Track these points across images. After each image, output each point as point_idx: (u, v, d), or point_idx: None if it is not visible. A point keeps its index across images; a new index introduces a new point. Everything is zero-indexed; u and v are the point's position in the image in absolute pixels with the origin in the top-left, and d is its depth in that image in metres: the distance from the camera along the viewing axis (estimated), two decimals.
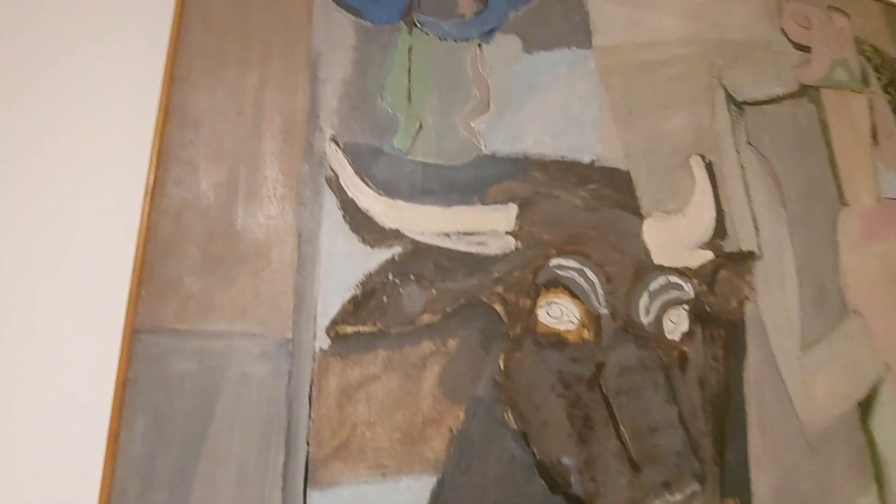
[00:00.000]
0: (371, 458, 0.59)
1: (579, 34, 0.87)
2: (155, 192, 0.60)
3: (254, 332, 0.59)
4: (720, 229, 0.84)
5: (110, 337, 0.55)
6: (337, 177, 0.67)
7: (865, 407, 0.84)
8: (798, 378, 0.81)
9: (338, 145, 0.69)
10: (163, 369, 0.55)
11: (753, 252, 0.85)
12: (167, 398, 0.55)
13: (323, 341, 0.61)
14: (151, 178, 0.61)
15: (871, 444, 0.82)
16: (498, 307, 0.68)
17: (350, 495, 0.57)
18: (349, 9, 0.75)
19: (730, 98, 0.93)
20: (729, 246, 0.83)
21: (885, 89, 1.11)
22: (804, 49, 1.05)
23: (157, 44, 0.66)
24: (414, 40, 0.77)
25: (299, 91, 0.70)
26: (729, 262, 0.82)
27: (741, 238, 0.85)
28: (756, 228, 0.86)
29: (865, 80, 1.09)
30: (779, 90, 0.98)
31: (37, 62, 0.65)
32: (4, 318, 0.56)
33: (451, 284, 0.67)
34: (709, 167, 0.87)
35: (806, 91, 1.01)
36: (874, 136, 1.05)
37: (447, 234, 0.69)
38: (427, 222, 0.69)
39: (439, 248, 0.68)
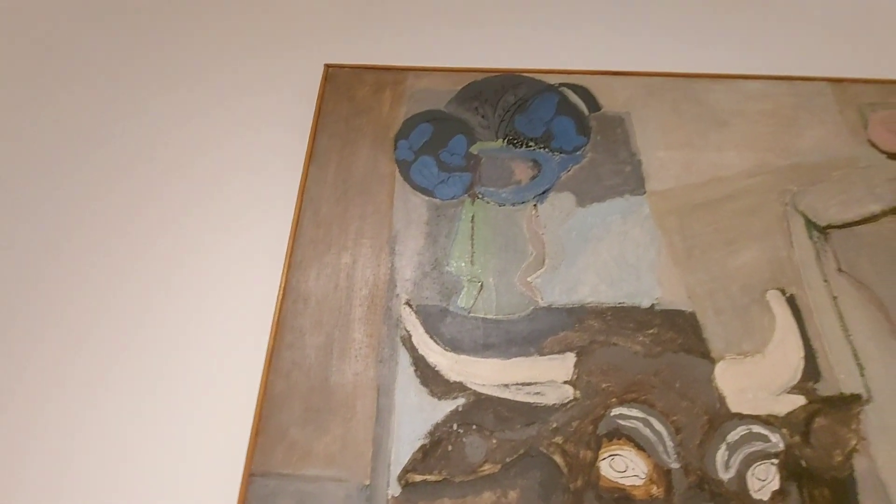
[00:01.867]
0: None
1: (631, 183, 0.94)
2: (272, 355, 0.78)
3: (340, 478, 0.70)
4: (812, 370, 0.77)
5: (231, 479, 0.70)
6: (410, 336, 0.80)
7: None
8: None
9: (411, 308, 0.82)
10: None
11: (859, 395, 0.76)
12: None
13: (395, 489, 0.70)
14: (271, 343, 0.79)
15: None
16: (557, 458, 0.71)
17: None
18: (423, 191, 0.93)
19: (810, 224, 0.90)
20: (825, 389, 0.76)
21: None
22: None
23: (280, 235, 0.90)
24: (476, 209, 0.91)
25: (381, 264, 0.86)
26: (827, 408, 0.75)
27: (841, 378, 0.77)
28: (860, 366, 0.78)
29: None
30: (874, 207, 0.92)
31: (185, 245, 0.91)
32: (150, 461, 0.74)
33: (510, 434, 0.73)
34: (790, 301, 0.83)
35: None
36: None
37: (506, 385, 0.76)
38: (488, 374, 0.77)
39: (499, 399, 0.75)
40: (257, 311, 0.83)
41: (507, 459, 0.71)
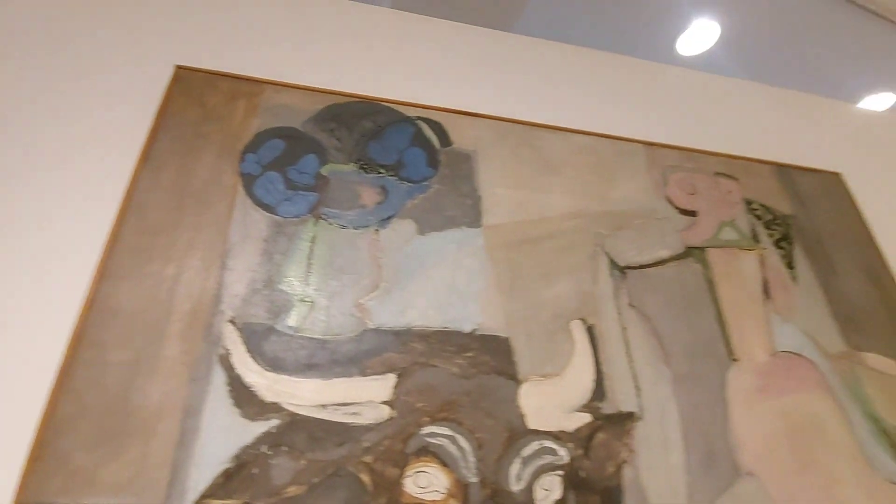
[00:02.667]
0: None
1: (470, 216, 1.02)
2: (64, 373, 0.72)
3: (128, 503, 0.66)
4: (599, 391, 0.89)
5: None
6: (229, 354, 0.78)
7: None
8: None
9: (234, 325, 0.80)
10: None
11: (633, 413, 0.89)
12: None
13: None
14: (63, 360, 0.72)
15: None
16: (364, 477, 0.74)
17: None
18: (266, 207, 0.92)
19: (613, 264, 1.04)
20: (608, 408, 0.88)
21: (778, 244, 1.21)
22: (691, 213, 1.18)
23: (94, 241, 0.83)
24: (318, 230, 0.92)
25: (210, 279, 0.83)
26: (607, 424, 0.87)
27: (621, 399, 0.90)
28: (637, 388, 0.92)
29: (755, 238, 1.20)
30: (663, 253, 1.09)
31: None
32: None
33: (321, 455, 0.74)
34: (590, 330, 0.95)
35: (692, 252, 1.12)
36: (766, 291, 1.12)
37: (324, 406, 0.77)
38: (307, 395, 0.77)
39: (315, 420, 0.76)
40: (53, 323, 0.76)
41: (314, 480, 0.72)
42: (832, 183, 1.41)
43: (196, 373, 0.76)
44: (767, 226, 1.23)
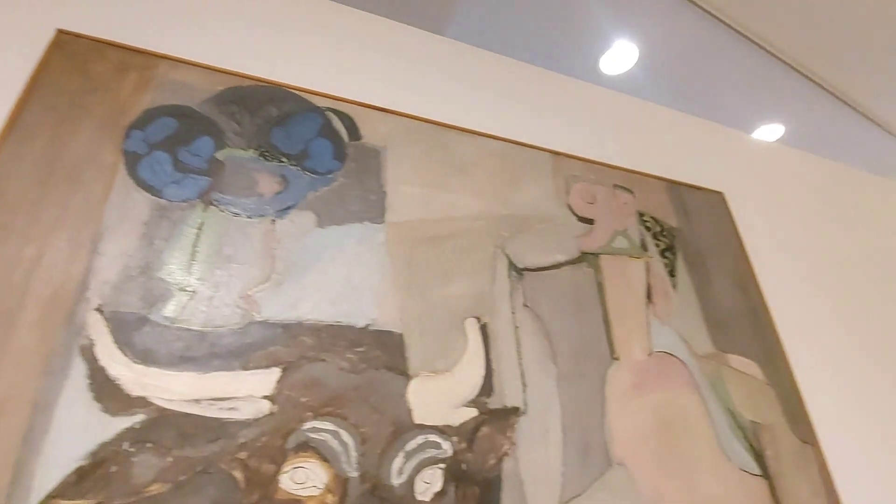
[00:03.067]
0: None
1: (374, 211, 1.01)
2: None
3: None
4: (487, 387, 0.93)
5: None
6: (92, 345, 0.72)
7: None
8: None
9: (101, 314, 0.74)
10: None
11: (518, 408, 0.93)
12: None
13: None
14: None
15: None
16: (237, 474, 0.71)
17: None
18: (149, 189, 0.86)
19: (511, 265, 1.08)
20: (494, 403, 0.92)
21: (663, 254, 1.32)
22: (588, 221, 1.25)
23: None
24: (207, 217, 0.88)
25: (76, 263, 0.77)
26: (491, 419, 0.90)
27: (507, 394, 0.94)
28: (524, 385, 0.96)
29: (644, 247, 1.30)
30: (560, 257, 1.15)
31: None
32: None
33: (190, 451, 0.70)
34: (483, 328, 0.98)
35: (586, 258, 1.19)
36: (649, 296, 1.22)
37: (198, 401, 0.74)
38: (179, 389, 0.73)
39: (186, 415, 0.72)
40: None
41: (181, 478, 0.68)
42: (715, 201, 1.56)
43: (51, 364, 0.70)
44: (655, 237, 1.33)
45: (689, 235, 1.40)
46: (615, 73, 2.24)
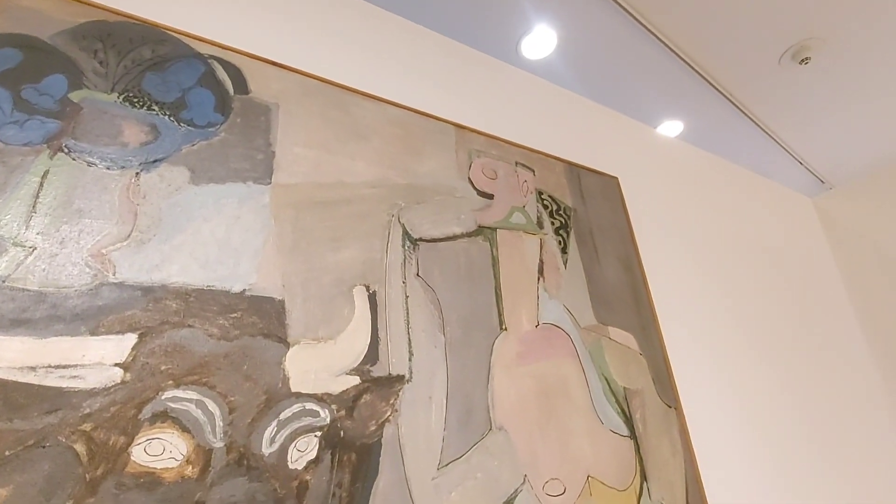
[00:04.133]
0: None
1: (259, 171, 0.95)
2: None
3: None
4: (372, 355, 0.92)
5: None
6: None
7: None
8: (431, 499, 0.87)
9: None
10: None
11: (403, 376, 0.94)
12: None
13: None
14: None
15: None
16: (79, 447, 0.65)
17: None
18: None
19: (406, 235, 1.08)
20: (379, 371, 0.91)
21: (557, 232, 1.37)
22: (488, 196, 1.28)
23: None
24: (54, 165, 0.77)
25: None
26: (374, 387, 0.90)
27: (393, 363, 0.94)
28: (411, 353, 0.96)
29: (540, 224, 1.35)
30: (456, 229, 1.16)
31: None
32: None
33: (20, 424, 0.63)
34: (372, 296, 0.97)
35: (482, 231, 1.21)
36: (541, 271, 1.27)
37: (33, 368, 0.66)
38: (10, 356, 0.65)
39: (16, 384, 0.64)
40: None
41: (7, 453, 0.61)
42: (610, 185, 1.65)
43: None
44: (552, 215, 1.39)
45: (582, 215, 1.47)
46: (535, 58, 2.28)
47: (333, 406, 0.84)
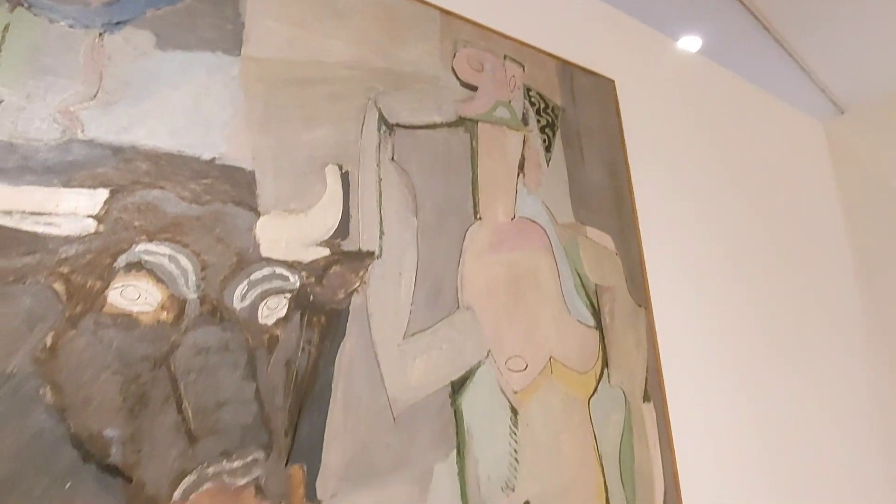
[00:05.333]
0: None
1: (228, 42, 0.93)
2: None
3: None
4: (343, 230, 0.95)
5: None
6: None
7: (458, 386, 1.00)
8: (395, 362, 0.94)
9: None
10: None
11: (373, 252, 0.97)
12: None
13: None
14: None
15: (458, 417, 0.99)
16: (58, 286, 0.70)
17: None
18: None
19: (383, 119, 1.07)
20: (349, 246, 0.95)
21: (542, 130, 1.36)
22: (472, 88, 1.25)
23: None
24: (15, 19, 0.76)
25: None
26: (344, 259, 0.94)
27: (364, 240, 0.97)
28: (382, 232, 1.00)
29: (525, 121, 1.33)
30: (436, 118, 1.15)
31: None
32: None
33: (2, 262, 0.67)
34: (344, 176, 0.98)
35: (464, 122, 1.20)
36: (521, 167, 1.27)
37: (9, 213, 0.69)
38: None
39: None
40: None
41: None
42: (605, 88, 1.60)
43: None
44: (538, 112, 1.36)
45: (571, 116, 1.44)
46: None
47: (303, 273, 0.88)
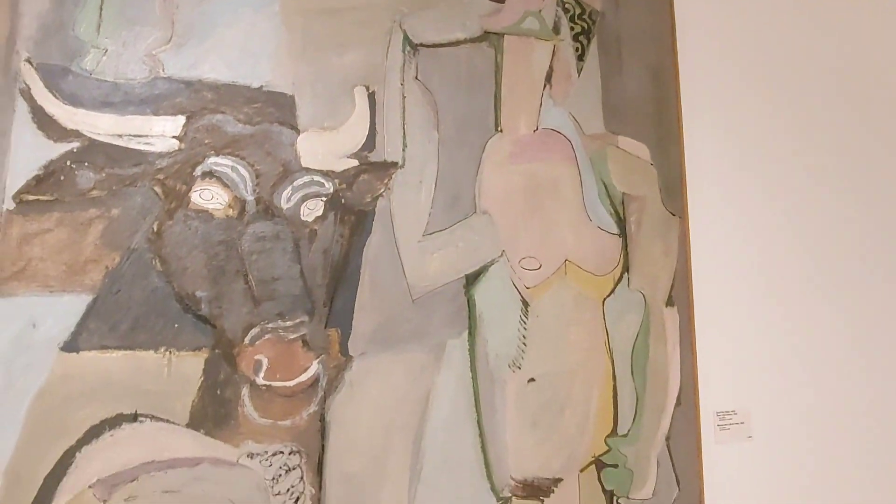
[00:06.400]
0: (42, 280, 0.88)
1: None
2: None
3: None
4: (370, 144, 1.11)
5: None
6: (29, 89, 0.91)
7: (472, 278, 1.16)
8: (415, 256, 1.12)
9: (31, 65, 0.92)
10: None
11: (396, 162, 1.13)
12: None
13: (10, 204, 0.88)
14: None
15: (471, 304, 1.16)
16: (157, 189, 0.96)
17: (23, 302, 0.87)
18: None
19: (407, 40, 1.17)
20: (375, 157, 1.11)
21: (576, 38, 1.35)
22: (499, 0, 1.28)
23: None
24: None
25: (2, 23, 0.92)
26: (371, 168, 1.11)
27: (388, 152, 1.12)
28: (405, 145, 1.14)
29: (556, 30, 1.33)
30: (459, 35, 1.22)
31: None
32: None
33: (119, 171, 0.94)
34: (371, 96, 1.12)
35: (488, 37, 1.25)
36: (549, 79, 1.30)
37: (120, 136, 0.95)
38: (104, 126, 0.94)
39: (112, 145, 0.94)
40: None
41: (114, 188, 0.94)
42: None
43: (1, 103, 0.90)
44: (572, 20, 1.35)
45: (611, 21, 1.40)
46: None
47: (336, 180, 1.07)
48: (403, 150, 1.14)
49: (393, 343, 1.09)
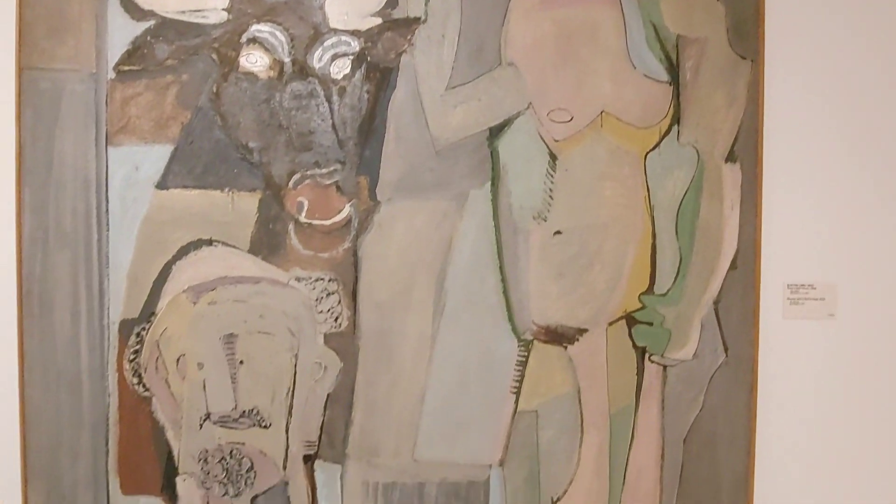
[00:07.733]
0: (139, 134, 1.13)
1: None
2: None
3: (77, 69, 1.13)
4: (393, 1, 1.15)
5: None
6: None
7: (496, 131, 1.18)
8: (438, 109, 1.17)
9: None
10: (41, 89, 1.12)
11: (419, 17, 1.16)
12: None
13: (112, 74, 1.13)
14: None
15: (494, 156, 1.18)
16: (214, 56, 1.14)
17: (128, 150, 1.13)
18: None
19: None
20: (398, 14, 1.15)
21: None
22: None
23: None
24: None
25: None
26: (394, 25, 1.15)
27: (410, 8, 1.15)
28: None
29: None
30: None
31: None
32: None
33: (185, 42, 1.13)
34: None
35: None
36: None
37: (182, 11, 1.13)
38: (170, 4, 1.13)
39: (179, 21, 1.13)
40: None
41: (183, 57, 1.13)
42: None
43: None
44: None
45: None
46: None
47: (361, 39, 1.15)
48: (426, 5, 1.16)
49: (417, 191, 1.17)
